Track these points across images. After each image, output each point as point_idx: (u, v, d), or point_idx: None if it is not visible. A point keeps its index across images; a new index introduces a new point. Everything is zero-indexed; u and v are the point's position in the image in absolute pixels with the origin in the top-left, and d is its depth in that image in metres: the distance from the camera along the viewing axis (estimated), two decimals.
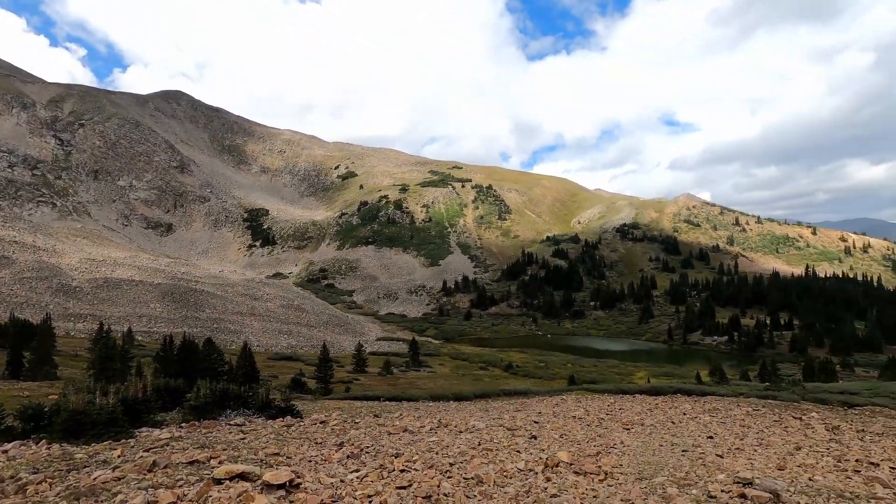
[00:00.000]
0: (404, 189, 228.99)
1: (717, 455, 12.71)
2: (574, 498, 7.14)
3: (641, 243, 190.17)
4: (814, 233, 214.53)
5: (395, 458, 9.21)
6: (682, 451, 13.03)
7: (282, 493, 6.35)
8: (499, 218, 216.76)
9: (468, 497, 6.72)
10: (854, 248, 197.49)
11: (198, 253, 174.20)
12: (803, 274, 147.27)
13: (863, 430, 18.12)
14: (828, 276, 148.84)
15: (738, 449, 14.17)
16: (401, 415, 18.88)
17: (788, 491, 7.51)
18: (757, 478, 8.74)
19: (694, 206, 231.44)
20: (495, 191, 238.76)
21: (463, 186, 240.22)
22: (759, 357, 77.08)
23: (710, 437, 15.94)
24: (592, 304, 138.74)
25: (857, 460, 11.92)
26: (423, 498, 6.51)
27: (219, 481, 6.52)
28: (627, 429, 17.99)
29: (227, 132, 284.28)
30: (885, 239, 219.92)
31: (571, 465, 10.48)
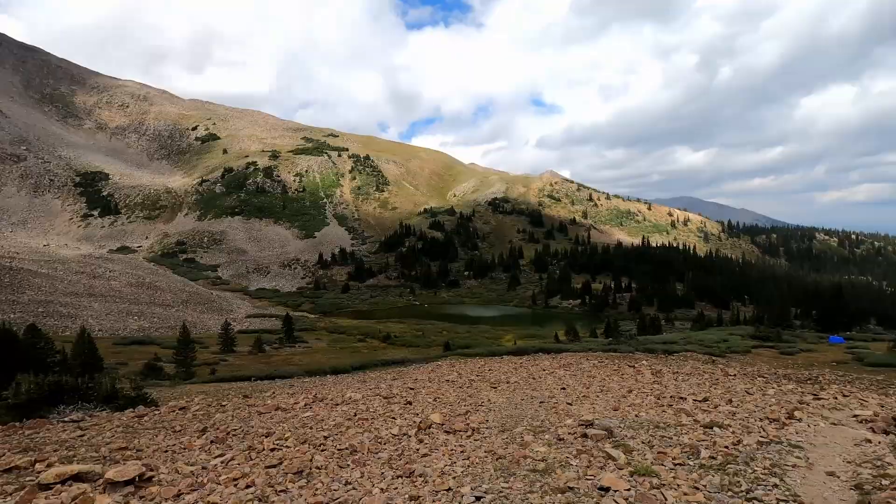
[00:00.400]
0: (275, 156, 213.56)
1: (568, 403, 14.48)
2: (443, 455, 7.63)
3: (511, 216, 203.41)
4: (649, 208, 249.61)
5: (266, 437, 8.89)
6: (540, 402, 14.60)
7: (129, 489, 5.75)
8: (377, 189, 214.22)
9: (341, 467, 6.78)
10: (678, 222, 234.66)
11: (11, 224, 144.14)
12: (640, 244, 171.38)
13: (677, 372, 22.03)
14: (658, 245, 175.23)
15: (584, 396, 16.29)
16: (273, 393, 18.14)
17: (619, 427, 8.88)
18: (596, 419, 10.20)
19: (556, 183, 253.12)
20: (373, 161, 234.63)
21: (339, 156, 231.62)
22: (605, 316, 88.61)
23: (563, 389, 18.07)
24: (467, 273, 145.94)
25: (671, 396, 14.49)
26: (294, 474, 6.41)
27: (47, 486, 5.66)
28: (495, 387, 19.54)
29: (47, 77, 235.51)
30: (699, 214, 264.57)
31: (443, 425, 11.12)
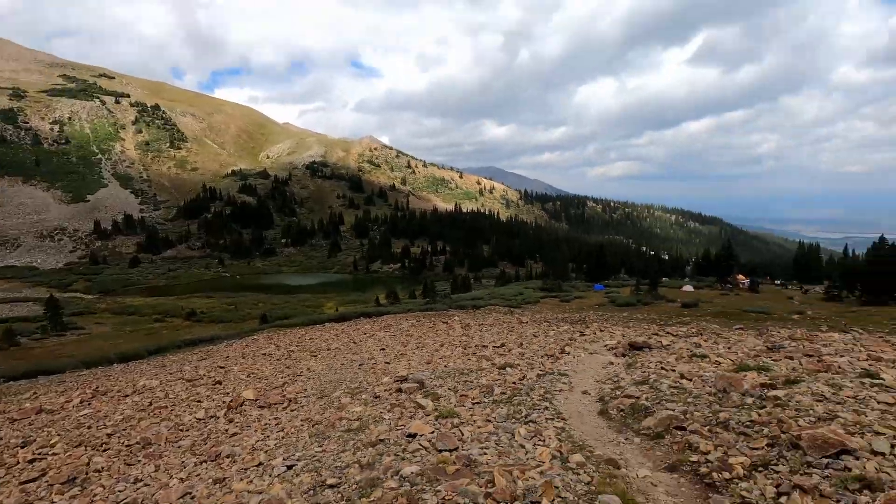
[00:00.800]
0: (20, 95, 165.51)
1: (386, 363, 15.15)
2: (255, 431, 7.30)
3: (330, 181, 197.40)
4: (461, 177, 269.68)
5: (21, 448, 7.25)
6: (360, 365, 14.95)
7: None
8: (171, 146, 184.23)
9: (129, 464, 5.95)
10: (485, 190, 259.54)
11: None
12: (454, 210, 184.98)
13: (482, 324, 24.83)
14: (469, 211, 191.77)
15: (402, 354, 17.23)
16: (35, 394, 14.76)
17: (430, 378, 9.67)
18: (410, 374, 10.92)
19: (376, 149, 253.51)
20: (165, 113, 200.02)
21: (118, 102, 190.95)
22: (423, 278, 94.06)
23: (383, 350, 18.79)
24: (284, 241, 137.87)
25: (475, 346, 16.32)
26: (63, 483, 5.38)
27: None
28: (315, 356, 19.26)
29: None
30: (502, 183, 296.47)
31: (257, 400, 10.56)
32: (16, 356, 37.45)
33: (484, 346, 15.00)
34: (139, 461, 6.07)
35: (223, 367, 17.35)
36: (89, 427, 8.63)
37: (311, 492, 4.10)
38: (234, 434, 7.11)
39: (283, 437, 6.41)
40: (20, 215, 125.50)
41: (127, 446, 6.80)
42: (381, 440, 5.32)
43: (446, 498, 3.33)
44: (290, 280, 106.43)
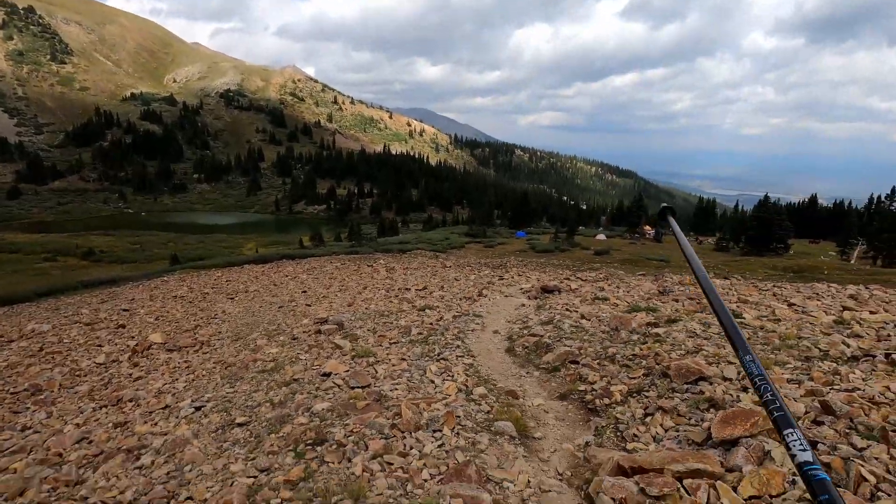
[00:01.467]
0: None
1: (307, 305, 15.00)
2: (163, 374, 7.05)
3: (248, 112, 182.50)
4: (390, 117, 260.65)
5: None
6: (279, 307, 14.68)
7: None
8: (53, 59, 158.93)
9: (16, 412, 5.54)
10: (415, 132, 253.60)
11: None
12: (382, 151, 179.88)
13: (407, 268, 25.13)
14: (398, 153, 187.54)
15: (324, 297, 17.11)
16: None
17: (350, 320, 9.77)
18: (331, 316, 10.95)
19: (300, 80, 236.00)
20: (43, 18, 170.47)
21: None
22: (349, 221, 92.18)
23: (305, 292, 18.52)
24: (196, 176, 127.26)
25: (398, 289, 16.58)
26: None
27: None
28: (232, 298, 18.57)
29: None
30: (433, 126, 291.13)
31: (165, 343, 10.12)
32: None
33: (407, 290, 15.28)
34: (27, 408, 5.68)
35: (128, 310, 16.28)
36: None
37: (219, 430, 4.11)
38: (139, 378, 6.84)
39: (192, 381, 6.27)
40: None
41: (12, 394, 6.32)
42: (295, 380, 5.38)
43: (353, 430, 3.49)
44: (204, 219, 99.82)
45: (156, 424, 4.58)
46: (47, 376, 7.26)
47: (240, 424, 4.14)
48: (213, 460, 3.45)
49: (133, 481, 3.35)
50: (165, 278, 28.24)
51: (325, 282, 21.24)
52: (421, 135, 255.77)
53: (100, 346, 10.29)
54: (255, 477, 3.06)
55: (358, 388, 4.64)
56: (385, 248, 37.42)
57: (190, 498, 2.95)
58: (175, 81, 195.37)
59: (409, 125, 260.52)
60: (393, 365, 5.55)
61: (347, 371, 5.31)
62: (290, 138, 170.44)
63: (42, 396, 6.24)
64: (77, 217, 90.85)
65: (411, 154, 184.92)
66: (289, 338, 8.77)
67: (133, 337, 10.95)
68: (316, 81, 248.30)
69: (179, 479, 3.22)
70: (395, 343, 6.96)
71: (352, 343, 7.23)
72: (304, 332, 9.13)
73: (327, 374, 5.26)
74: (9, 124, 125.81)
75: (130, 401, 5.56)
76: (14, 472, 3.82)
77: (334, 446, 3.29)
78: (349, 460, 3.08)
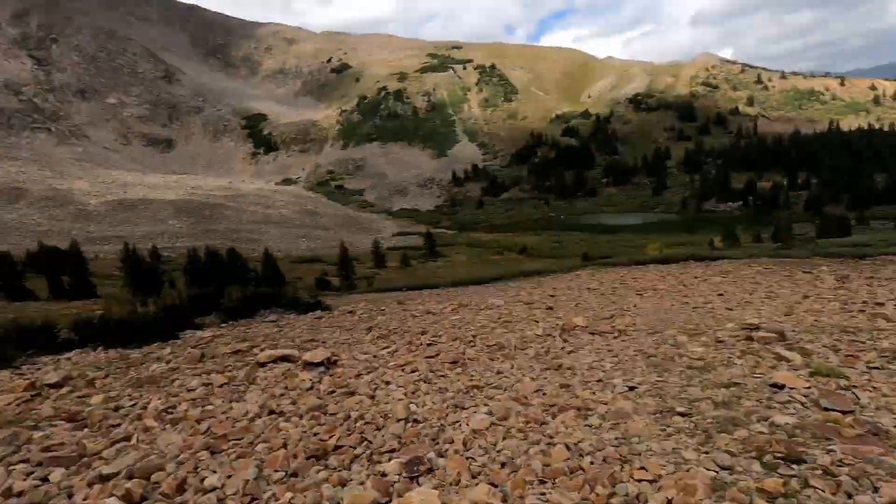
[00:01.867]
0: (402, 77, 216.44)
1: (727, 308, 13.33)
2: (589, 353, 7.73)
3: (656, 112, 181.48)
4: (842, 84, 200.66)
5: (422, 335, 9.89)
6: (693, 308, 13.67)
7: (321, 369, 6.97)
8: (504, 100, 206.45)
9: (491, 359, 7.31)
10: (884, 96, 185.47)
11: (202, 166, 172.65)
12: (826, 129, 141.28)
13: (871, 277, 18.57)
14: (853, 129, 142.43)
15: (747, 302, 14.79)
16: (423, 301, 19.88)
17: (793, 331, 7.96)
18: (763, 323, 9.25)
19: (713, 67, 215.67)
20: (499, 70, 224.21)
21: (464, 69, 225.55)
22: (774, 218, 77.15)
23: (720, 295, 16.59)
24: (605, 181, 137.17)
25: (863, 302, 12.39)
26: (450, 363, 7.11)
27: (263, 364, 7.15)
28: (640, 294, 18.76)
29: (206, 32, 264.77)
30: None
31: (586, 327, 11.14)
32: (409, 274, 51.47)
33: (878, 304, 11.28)
34: (498, 358, 7.32)
35: (553, 296, 19.00)
36: (459, 328, 10.89)
37: (659, 414, 4.05)
38: (571, 352, 7.71)
39: (617, 363, 6.55)
40: (407, 170, 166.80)
41: (487, 346, 8.31)
42: (735, 384, 4.73)
43: (844, 461, 2.66)
44: (611, 220, 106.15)
45: (594, 394, 5.00)
46: (506, 338, 9.15)
47: (680, 414, 3.95)
48: (659, 440, 3.42)
49: (586, 435, 3.75)
50: (578, 273, 31.46)
51: (745, 287, 18.38)
52: (894, 98, 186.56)
53: (536, 321, 12.30)
54: (715, 472, 2.80)
55: (835, 410, 3.59)
56: (830, 253, 29.05)
57: (643, 468, 3.00)
58: (589, 97, 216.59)
59: (874, 88, 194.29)
60: (884, 395, 4.04)
61: (808, 388, 4.23)
62: (701, 132, 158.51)
63: (505, 352, 7.91)
64: (517, 220, 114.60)
65: (876, 128, 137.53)
66: (712, 339, 7.96)
67: (560, 318, 12.60)
68: (733, 63, 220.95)
69: (629, 448, 3.35)
70: (877, 368, 5.12)
71: (803, 357, 5.81)
72: (729, 335, 8.09)
73: (779, 386, 4.35)
74: (477, 154, 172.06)
75: (569, 369, 6.31)
76: (499, 402, 4.99)
77: (819, 471, 2.60)
78: (849, 496, 2.35)
